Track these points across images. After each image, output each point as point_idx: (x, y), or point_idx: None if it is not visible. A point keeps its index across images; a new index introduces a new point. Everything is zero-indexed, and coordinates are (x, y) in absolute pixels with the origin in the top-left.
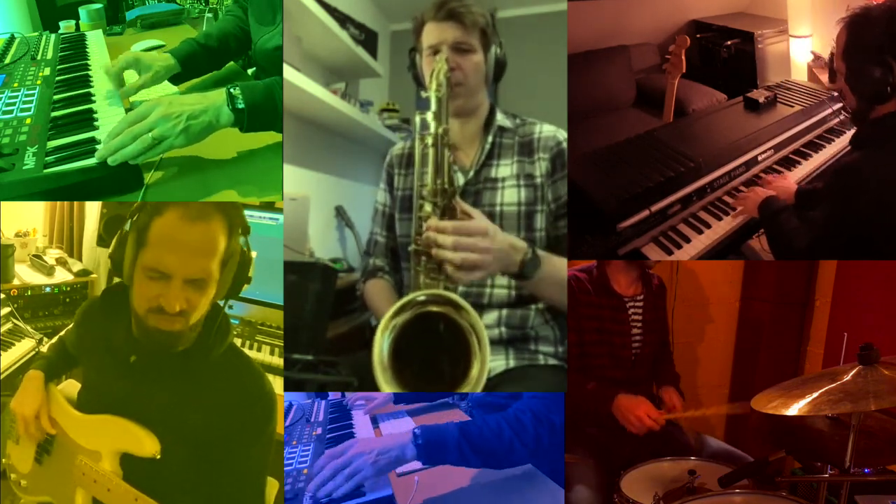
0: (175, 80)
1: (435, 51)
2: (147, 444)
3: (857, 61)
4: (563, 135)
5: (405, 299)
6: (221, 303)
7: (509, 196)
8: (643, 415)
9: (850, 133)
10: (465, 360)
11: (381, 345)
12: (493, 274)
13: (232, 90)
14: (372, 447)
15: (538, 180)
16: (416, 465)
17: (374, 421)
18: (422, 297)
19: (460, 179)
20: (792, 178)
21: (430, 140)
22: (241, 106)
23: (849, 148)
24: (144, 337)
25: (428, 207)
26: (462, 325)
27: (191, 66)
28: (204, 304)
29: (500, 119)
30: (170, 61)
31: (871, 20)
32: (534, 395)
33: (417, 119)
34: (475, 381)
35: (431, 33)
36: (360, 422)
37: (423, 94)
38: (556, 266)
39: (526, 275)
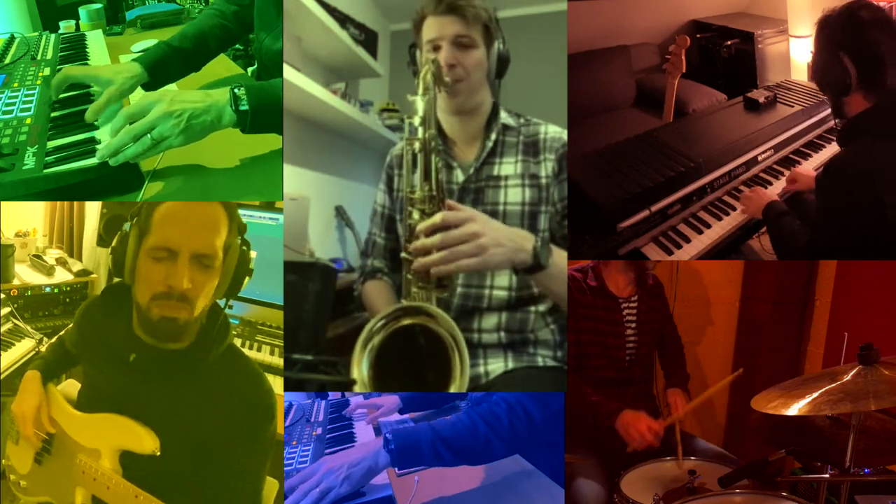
0: (145, 88)
1: (435, 46)
2: (146, 441)
3: (820, 59)
4: (566, 136)
5: (375, 320)
6: (222, 303)
7: (513, 195)
8: (644, 430)
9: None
10: (446, 363)
11: (361, 367)
12: (501, 264)
13: (236, 91)
14: (342, 462)
15: (543, 181)
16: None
17: None
18: (391, 314)
19: (460, 176)
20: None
21: (417, 145)
22: (244, 108)
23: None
24: (148, 330)
25: (416, 215)
26: (437, 332)
27: (161, 72)
28: (208, 290)
29: (504, 117)
30: (135, 70)
31: (832, 21)
32: (530, 394)
33: (406, 123)
34: (458, 380)
35: (431, 28)
36: (361, 422)
37: (410, 98)
38: (563, 257)
39: (542, 262)
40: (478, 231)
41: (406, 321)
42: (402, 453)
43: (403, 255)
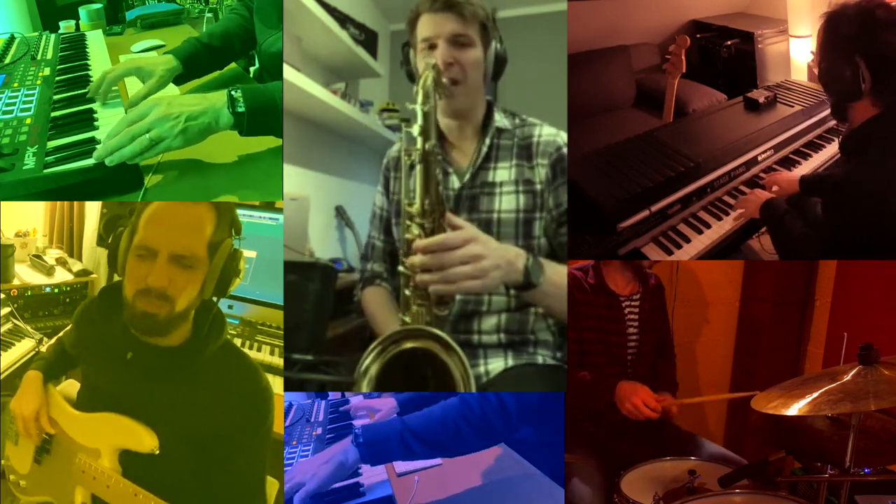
0: (177, 80)
1: (431, 45)
2: (145, 440)
3: (829, 59)
4: (563, 138)
5: (376, 343)
6: (214, 300)
7: (507, 202)
8: (639, 402)
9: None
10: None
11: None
12: (496, 285)
13: (233, 93)
14: (315, 460)
15: (537, 186)
16: (417, 464)
17: None
18: (395, 336)
19: (455, 182)
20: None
21: (416, 156)
22: (241, 109)
23: (839, 156)
24: (132, 324)
25: (415, 229)
26: (443, 360)
27: (193, 66)
28: (191, 290)
29: (499, 119)
30: (172, 63)
31: (845, 18)
32: (530, 395)
33: (404, 132)
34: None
35: (427, 25)
36: (361, 423)
37: (410, 107)
38: (559, 273)
39: (532, 281)
40: (480, 253)
41: (408, 344)
42: (370, 447)
43: (401, 269)
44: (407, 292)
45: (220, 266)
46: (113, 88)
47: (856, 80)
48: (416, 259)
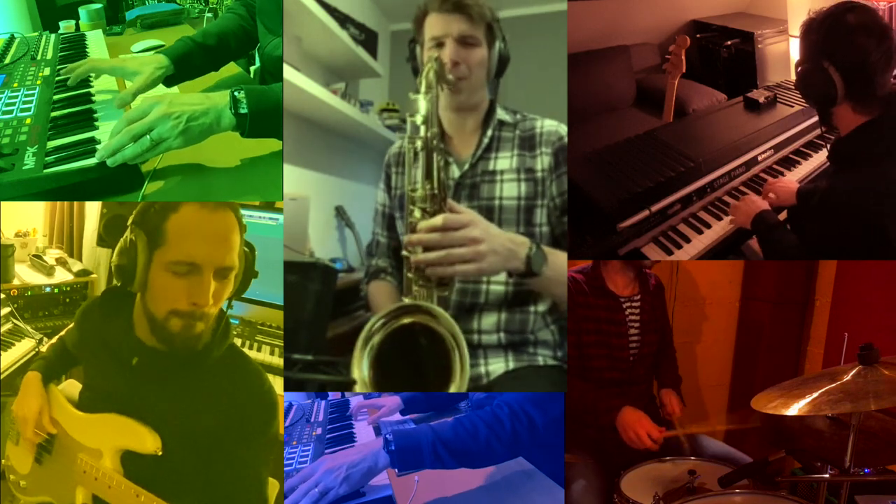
0: (169, 81)
1: (439, 43)
2: (148, 441)
3: (805, 68)
4: (563, 129)
5: (373, 320)
6: (225, 305)
7: (508, 190)
8: (643, 434)
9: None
10: (446, 362)
11: (361, 366)
12: (494, 270)
13: (236, 94)
14: (341, 462)
15: (539, 175)
16: None
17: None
18: (392, 312)
19: (456, 171)
20: (793, 178)
21: (419, 143)
22: (243, 111)
23: (827, 164)
24: (164, 339)
25: (418, 213)
26: (437, 330)
27: (185, 67)
28: (224, 299)
29: (500, 113)
30: (162, 62)
31: (816, 24)
32: (530, 395)
33: (408, 121)
34: (458, 379)
35: (436, 24)
36: (361, 423)
37: (412, 96)
38: (561, 261)
39: (534, 270)
40: (477, 237)
41: (406, 319)
42: (402, 454)
43: (404, 252)
44: (409, 275)
45: (243, 270)
46: (114, 88)
47: (827, 85)
48: (415, 237)
